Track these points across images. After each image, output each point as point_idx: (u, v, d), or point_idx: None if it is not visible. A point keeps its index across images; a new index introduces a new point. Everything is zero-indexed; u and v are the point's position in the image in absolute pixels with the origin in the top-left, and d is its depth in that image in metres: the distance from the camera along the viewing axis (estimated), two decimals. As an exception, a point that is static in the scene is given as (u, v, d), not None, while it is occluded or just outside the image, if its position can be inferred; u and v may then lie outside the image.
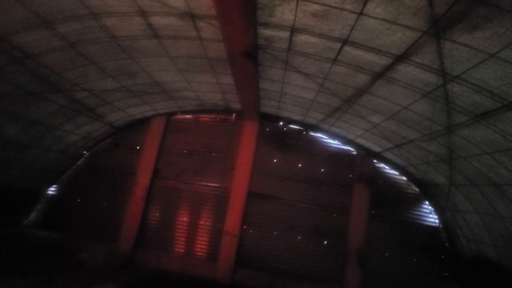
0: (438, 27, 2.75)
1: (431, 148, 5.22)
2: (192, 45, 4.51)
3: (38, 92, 5.35)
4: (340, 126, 6.77)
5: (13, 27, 3.85)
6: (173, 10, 3.64)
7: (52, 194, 8.27)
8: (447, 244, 7.02)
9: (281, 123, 8.04)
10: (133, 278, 6.51)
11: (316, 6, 3.11)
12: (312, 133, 7.93)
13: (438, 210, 7.05)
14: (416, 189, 7.38)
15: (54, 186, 8.31)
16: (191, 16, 3.75)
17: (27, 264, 6.09)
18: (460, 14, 2.53)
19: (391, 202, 7.43)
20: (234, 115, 8.22)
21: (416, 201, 7.38)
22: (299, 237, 7.42)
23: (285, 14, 3.38)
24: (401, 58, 3.43)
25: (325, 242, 7.33)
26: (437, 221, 7.18)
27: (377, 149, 7.09)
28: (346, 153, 7.78)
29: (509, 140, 3.66)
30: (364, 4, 2.83)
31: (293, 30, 3.64)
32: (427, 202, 7.30)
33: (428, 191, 7.06)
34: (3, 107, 5.28)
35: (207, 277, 7.27)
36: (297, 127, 8.00)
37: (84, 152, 8.44)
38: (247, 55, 4.18)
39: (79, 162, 8.46)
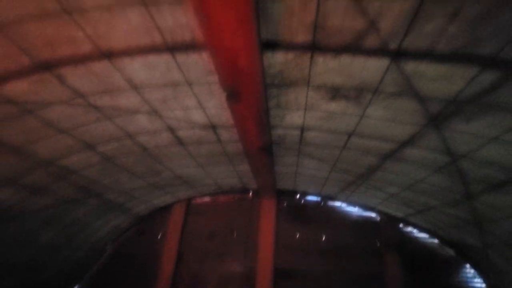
0: (435, 122, 3.11)
1: (456, 213, 5.16)
2: (212, 146, 5.03)
3: (76, 199, 5.78)
4: (358, 196, 6.84)
5: (61, 153, 4.45)
6: (197, 125, 4.22)
7: (82, 289, 8.10)
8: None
9: (298, 196, 8.15)
10: None
11: (321, 113, 3.59)
12: (330, 203, 7.95)
13: (482, 273, 6.50)
14: (451, 251, 6.95)
15: (84, 280, 8.21)
16: (212, 127, 4.31)
17: None
18: (452, 112, 2.91)
19: (427, 268, 6.93)
20: (251, 193, 8.42)
21: (453, 264, 6.87)
22: None
23: (294, 119, 3.88)
24: (406, 143, 3.75)
25: None
26: (481, 284, 6.54)
27: (400, 214, 6.97)
28: (369, 220, 7.63)
29: (534, 207, 3.67)
30: (364, 110, 3.28)
31: (303, 129, 4.10)
32: (465, 265, 6.78)
33: (464, 253, 6.63)
34: (44, 217, 5.66)
35: None
36: (315, 199, 8.07)
37: (111, 243, 8.52)
38: (263, 151, 4.60)
39: (106, 254, 8.48)
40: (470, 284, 6.63)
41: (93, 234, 7.47)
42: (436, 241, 7.13)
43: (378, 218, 7.57)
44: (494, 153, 3.30)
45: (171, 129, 4.35)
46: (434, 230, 6.81)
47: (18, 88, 3.07)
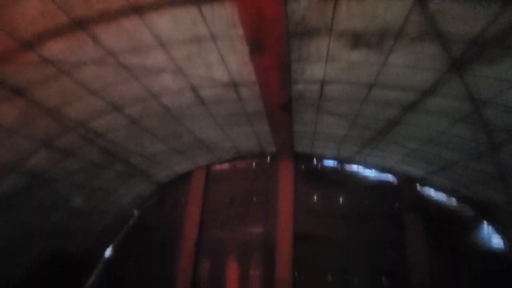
0: (457, 66, 3.10)
1: (479, 167, 5.19)
2: (232, 104, 5.17)
3: (102, 163, 6.18)
4: (377, 155, 6.91)
5: (90, 115, 4.73)
6: (219, 83, 4.35)
7: (108, 257, 8.73)
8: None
9: (315, 160, 8.31)
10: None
11: (342, 64, 3.62)
12: (348, 166, 8.08)
13: (502, 231, 6.59)
14: (473, 211, 7.01)
15: (110, 248, 8.84)
16: (233, 85, 4.43)
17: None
18: (475, 54, 2.89)
19: (447, 229, 6.98)
20: (268, 157, 8.64)
21: (475, 224, 6.95)
22: (355, 279, 7.04)
23: (315, 71, 3.93)
24: (428, 92, 3.76)
25: (385, 281, 6.89)
26: (500, 241, 6.67)
27: (420, 173, 7.02)
28: (388, 183, 7.73)
29: (557, 152, 3.68)
30: (386, 57, 3.29)
31: (323, 82, 4.16)
32: (488, 225, 6.86)
33: (487, 212, 6.70)
34: (74, 181, 6.11)
35: (266, 330, 7.03)
36: (332, 162, 8.21)
37: (134, 211, 9.07)
38: (283, 107, 4.72)
39: (130, 222, 9.04)
40: (489, 242, 6.75)
41: (118, 201, 7.97)
42: (455, 201, 7.20)
43: (397, 180, 7.67)
44: (519, 96, 3.28)
45: (193, 88, 4.50)
46: (456, 189, 6.85)
47: (55, 48, 3.26)
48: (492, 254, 6.64)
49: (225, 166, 9.01)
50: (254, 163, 8.77)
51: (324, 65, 3.73)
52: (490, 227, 6.84)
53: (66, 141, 5.00)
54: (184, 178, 9.09)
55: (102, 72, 3.80)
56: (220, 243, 8.16)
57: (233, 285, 7.65)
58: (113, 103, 4.56)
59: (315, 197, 8.00)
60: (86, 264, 8.32)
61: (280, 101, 4.43)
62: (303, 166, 8.33)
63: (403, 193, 7.50)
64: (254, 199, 8.41)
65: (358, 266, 7.14)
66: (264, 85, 4.01)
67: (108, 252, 8.77)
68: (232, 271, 7.78)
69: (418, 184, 7.48)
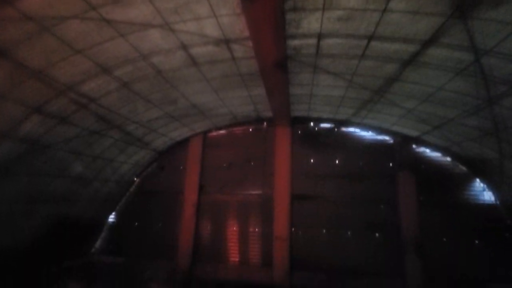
0: (462, 9, 2.92)
1: (474, 123, 5.16)
2: (226, 65, 4.98)
3: (98, 130, 6.11)
4: (373, 117, 6.85)
5: (79, 78, 4.57)
6: (210, 40, 4.13)
7: (112, 222, 9.06)
8: (508, 221, 6.69)
9: (312, 123, 8.26)
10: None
11: (340, 12, 3.41)
12: (344, 129, 8.05)
13: (493, 186, 6.78)
14: (464, 168, 7.16)
15: (113, 213, 9.12)
16: (225, 42, 4.21)
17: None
18: (482, -7, 2.70)
19: (439, 186, 7.24)
20: (265, 123, 8.58)
21: (466, 180, 7.15)
22: (349, 234, 7.42)
23: (311, 24, 3.71)
24: (429, 42, 3.59)
25: (378, 236, 7.25)
26: (493, 198, 6.89)
27: (414, 133, 7.04)
28: (383, 143, 7.78)
29: (557, 102, 3.62)
30: (387, 3, 3.08)
31: (320, 36, 3.95)
32: (478, 180, 7.04)
33: (478, 168, 6.83)
34: (72, 148, 6.09)
35: (265, 282, 7.49)
36: (329, 125, 8.17)
37: (135, 178, 9.21)
38: (278, 66, 4.54)
39: (131, 189, 9.23)
40: (479, 198, 6.97)
41: (118, 168, 8.04)
42: (448, 159, 7.31)
43: (392, 141, 7.70)
44: (524, 42, 3.14)
45: (184, 47, 4.29)
46: (449, 147, 6.92)
47: (34, 1, 3.03)
48: (483, 209, 6.88)
49: (222, 132, 8.97)
50: (251, 129, 8.73)
51: (321, 15, 3.51)
52: (482, 183, 7.01)
53: (58, 106, 4.88)
54: (182, 145, 9.11)
55: (85, 28, 3.58)
56: (220, 205, 8.42)
57: (234, 242, 8.03)
58: (101, 64, 4.37)
59: (312, 159, 8.09)
60: (91, 230, 8.63)
61: (275, 59, 4.24)
62: (299, 131, 8.32)
63: (397, 152, 7.59)
64: (252, 163, 8.50)
65: (352, 222, 7.47)
66: (257, 39, 3.80)
67: (112, 217, 9.07)
68: (232, 230, 8.13)
69: (412, 144, 7.52)
